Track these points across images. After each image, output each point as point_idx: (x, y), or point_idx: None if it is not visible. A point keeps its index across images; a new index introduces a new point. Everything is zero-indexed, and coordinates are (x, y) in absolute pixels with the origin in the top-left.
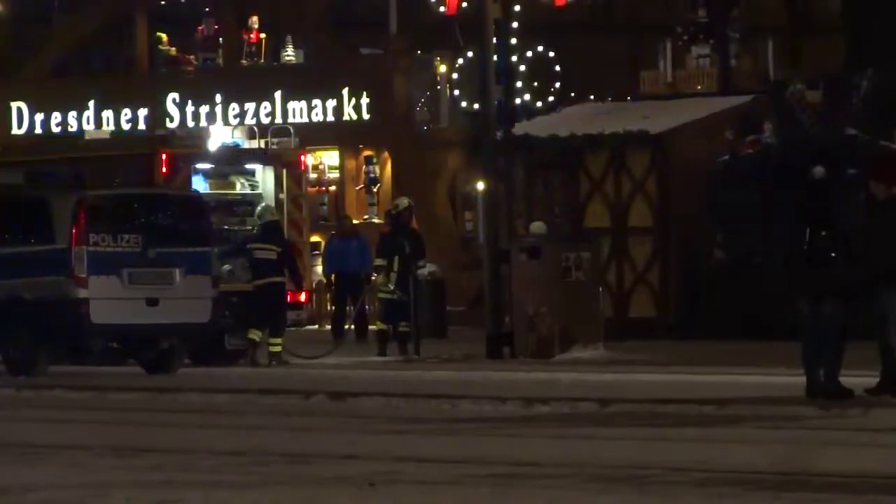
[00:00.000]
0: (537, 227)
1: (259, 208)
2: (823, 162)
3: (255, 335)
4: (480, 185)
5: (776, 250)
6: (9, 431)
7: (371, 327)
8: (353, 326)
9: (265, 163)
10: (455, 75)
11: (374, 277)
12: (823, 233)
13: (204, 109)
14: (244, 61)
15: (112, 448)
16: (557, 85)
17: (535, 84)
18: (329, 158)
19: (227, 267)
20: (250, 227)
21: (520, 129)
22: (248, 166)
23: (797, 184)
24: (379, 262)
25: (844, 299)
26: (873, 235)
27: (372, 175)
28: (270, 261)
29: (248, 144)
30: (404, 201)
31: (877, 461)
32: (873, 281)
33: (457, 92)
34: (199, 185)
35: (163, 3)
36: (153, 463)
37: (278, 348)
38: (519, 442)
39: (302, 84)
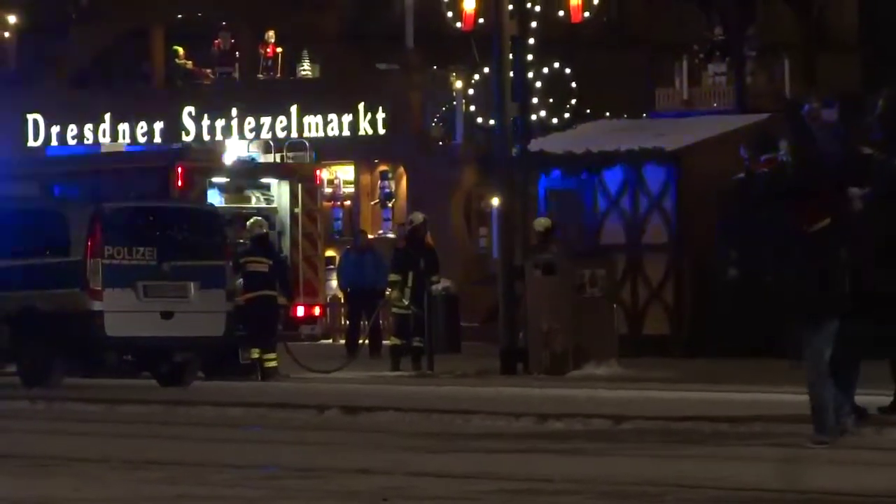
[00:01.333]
0: (542, 222)
1: (249, 221)
2: (838, 181)
3: (256, 353)
4: (495, 201)
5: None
6: (23, 443)
7: (385, 342)
8: (366, 341)
9: (281, 177)
10: (471, 91)
11: (387, 292)
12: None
13: (220, 123)
14: (260, 75)
15: (125, 461)
16: (573, 102)
17: (551, 100)
18: (344, 173)
19: (240, 280)
20: (241, 241)
21: (535, 145)
22: (263, 180)
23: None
24: (393, 277)
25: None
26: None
27: (387, 190)
28: (261, 273)
29: (263, 159)
30: (419, 217)
31: (891, 480)
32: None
33: (472, 108)
34: (215, 198)
35: (180, 16)
36: (166, 476)
37: (273, 363)
38: (531, 458)
39: (318, 99)
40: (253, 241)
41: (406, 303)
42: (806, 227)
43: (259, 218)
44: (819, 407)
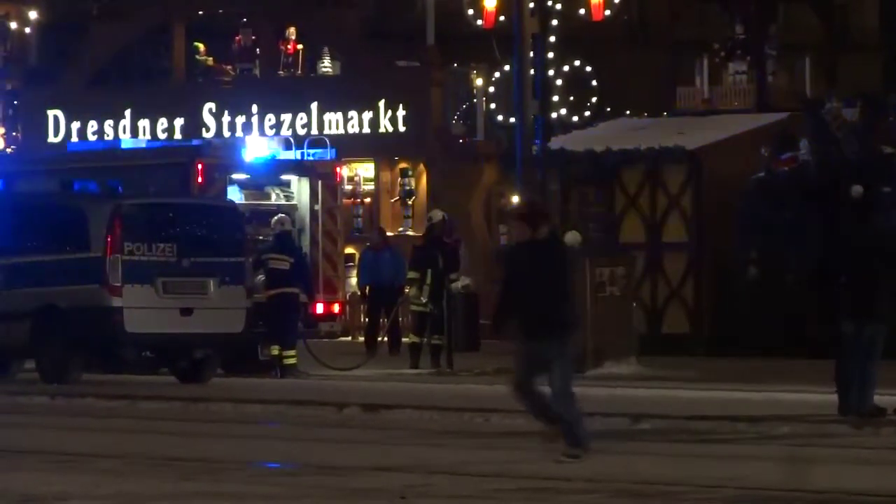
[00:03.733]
0: (571, 237)
1: (273, 219)
2: (859, 181)
3: (276, 350)
4: (515, 199)
5: (812, 271)
6: (42, 439)
7: (404, 340)
8: (386, 338)
9: (301, 174)
10: (491, 89)
11: (406, 290)
12: (859, 251)
13: (240, 120)
14: (281, 72)
15: (144, 457)
16: (594, 100)
17: (572, 99)
18: (364, 170)
19: (260, 277)
20: (261, 238)
21: (555, 143)
22: (283, 177)
23: (832, 202)
24: (412, 274)
25: (885, 319)
26: None
27: (407, 187)
28: (283, 271)
29: (283, 156)
30: (438, 214)
31: None
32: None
33: (493, 105)
34: (235, 195)
35: (201, 13)
36: (185, 473)
37: (293, 360)
38: (549, 456)
39: (338, 96)
40: (275, 239)
41: (425, 301)
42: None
43: (283, 215)
44: None
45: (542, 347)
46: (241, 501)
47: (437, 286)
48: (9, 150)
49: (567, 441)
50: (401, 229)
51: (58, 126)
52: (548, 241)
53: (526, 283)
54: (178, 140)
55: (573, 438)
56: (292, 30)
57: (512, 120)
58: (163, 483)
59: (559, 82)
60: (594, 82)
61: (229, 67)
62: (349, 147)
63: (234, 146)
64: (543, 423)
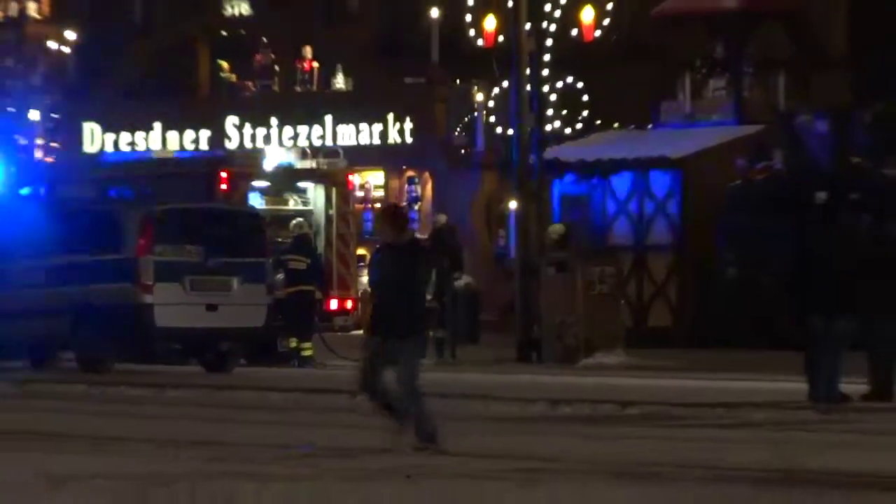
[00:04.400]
0: (557, 228)
1: (293, 223)
2: (828, 188)
3: (294, 342)
4: (513, 205)
5: (786, 270)
6: (79, 423)
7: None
8: None
9: (316, 182)
10: (491, 103)
11: None
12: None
13: (261, 132)
14: (298, 88)
15: (173, 440)
16: (585, 113)
17: (565, 112)
18: (374, 178)
19: (280, 276)
20: (280, 240)
21: (550, 153)
22: (300, 185)
23: (803, 207)
24: None
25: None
26: None
27: (413, 194)
28: (300, 270)
29: (300, 165)
30: (442, 219)
31: (873, 461)
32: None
33: (492, 118)
34: (256, 201)
35: (224, 33)
36: (211, 455)
37: (309, 352)
38: (545, 439)
39: (350, 110)
40: (294, 241)
41: (429, 298)
42: None
43: (301, 220)
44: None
45: (394, 346)
46: (265, 482)
47: (440, 284)
48: (49, 159)
49: (417, 436)
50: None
51: (94, 137)
52: (409, 245)
53: (387, 283)
54: (203, 150)
55: (423, 433)
56: (308, 49)
57: (510, 132)
58: (189, 463)
59: (553, 97)
60: (585, 97)
61: (250, 83)
62: (360, 157)
63: (255, 156)
64: (387, 417)
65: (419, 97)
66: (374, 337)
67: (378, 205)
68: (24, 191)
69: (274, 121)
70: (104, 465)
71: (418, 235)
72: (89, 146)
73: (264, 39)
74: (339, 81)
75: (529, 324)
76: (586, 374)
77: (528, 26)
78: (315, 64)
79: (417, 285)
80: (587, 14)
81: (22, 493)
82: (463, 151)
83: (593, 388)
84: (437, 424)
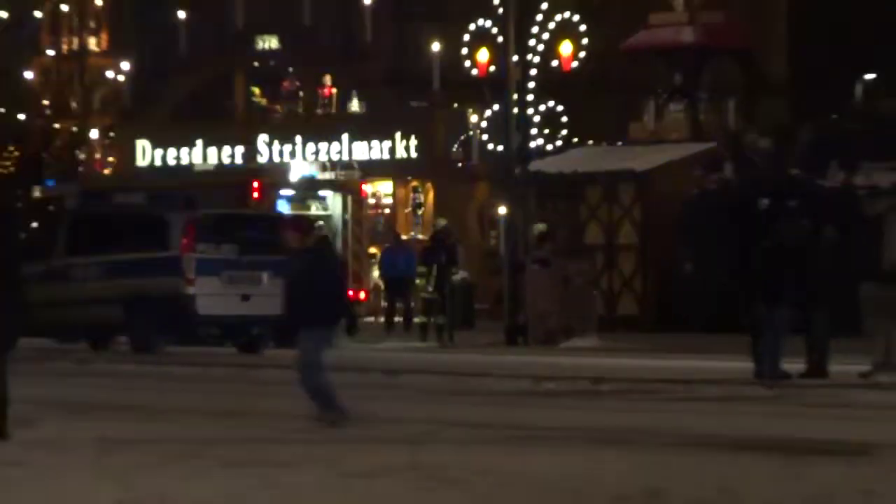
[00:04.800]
0: (539, 227)
1: (315, 226)
2: (770, 196)
3: None
4: (502, 210)
5: (734, 266)
6: (132, 397)
7: (415, 320)
8: (401, 319)
9: (334, 190)
10: (484, 123)
11: (417, 281)
12: (770, 251)
13: (287, 148)
14: (319, 111)
15: (212, 411)
16: (563, 132)
17: (546, 131)
18: (384, 187)
19: None
20: None
21: (534, 166)
22: (321, 193)
23: (750, 213)
24: (421, 269)
25: (790, 302)
26: None
27: (417, 201)
28: None
29: (321, 176)
30: (441, 222)
31: (810, 430)
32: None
33: (485, 136)
34: (283, 207)
35: (256, 64)
36: (242, 423)
37: None
38: (530, 411)
39: (364, 129)
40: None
41: (430, 289)
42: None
43: (321, 222)
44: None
45: (313, 334)
46: (285, 445)
47: (440, 278)
48: (107, 171)
49: (325, 413)
50: (412, 233)
51: (145, 153)
52: (317, 246)
53: (303, 281)
54: (238, 164)
55: (333, 411)
56: (328, 77)
57: (500, 148)
58: (224, 431)
59: (536, 118)
60: (564, 118)
61: (278, 107)
62: (372, 169)
63: (282, 169)
64: (318, 405)
65: (422, 118)
66: (305, 329)
67: (387, 210)
68: (85, 198)
69: (298, 139)
70: (152, 431)
71: (420, 236)
72: (141, 160)
73: (290, 69)
74: (354, 105)
75: (516, 312)
76: (565, 355)
77: (515, 58)
78: (333, 90)
79: (331, 280)
80: (565, 48)
81: (82, 455)
82: (460, 164)
83: (571, 367)
84: (335, 403)
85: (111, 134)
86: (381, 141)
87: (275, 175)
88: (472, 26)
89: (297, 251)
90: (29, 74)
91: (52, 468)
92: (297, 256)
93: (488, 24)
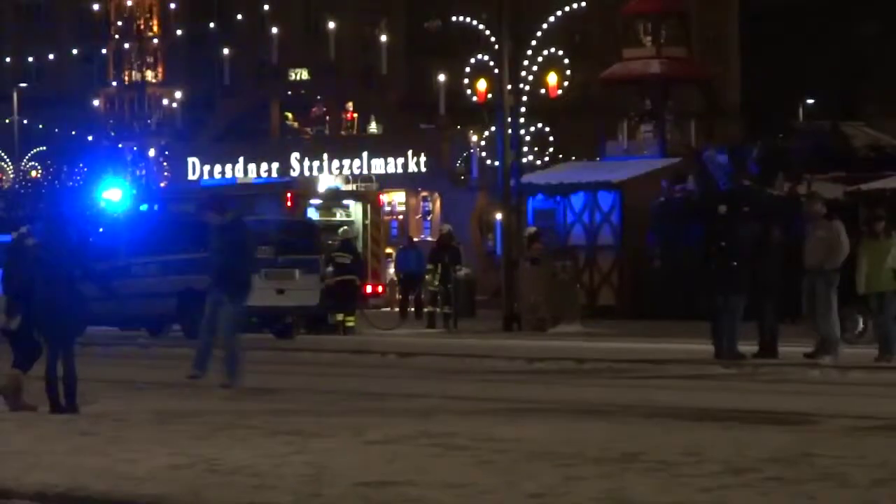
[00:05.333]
0: (530, 230)
1: (340, 229)
2: (726, 203)
3: (340, 316)
4: (499, 216)
5: (696, 261)
6: (183, 376)
7: (424, 310)
8: (412, 309)
9: (356, 200)
10: (483, 142)
11: (426, 276)
12: (726, 249)
13: (315, 164)
14: (343, 132)
15: (253, 389)
16: (551, 150)
17: (536, 149)
18: (398, 197)
19: (329, 268)
20: (330, 242)
21: (525, 178)
22: (344, 202)
23: (709, 217)
24: (429, 266)
25: (743, 293)
26: None
27: (427, 208)
28: (345, 264)
29: (344, 187)
30: (446, 227)
31: (764, 402)
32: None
33: (484, 153)
34: (312, 214)
35: (289, 93)
36: (277, 399)
37: (352, 323)
38: (524, 387)
39: (381, 147)
40: (341, 242)
41: (437, 284)
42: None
43: (347, 227)
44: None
45: (221, 299)
46: (315, 417)
47: (444, 274)
48: (162, 184)
49: (229, 374)
50: (422, 236)
51: (195, 168)
52: (231, 223)
53: (218, 252)
54: (274, 177)
55: (233, 374)
56: (350, 104)
57: (496, 163)
58: (263, 405)
59: (528, 138)
60: (551, 138)
61: (308, 129)
62: (388, 181)
63: (312, 181)
64: (194, 363)
65: (431, 138)
66: (214, 293)
67: (400, 216)
68: (143, 207)
69: (325, 156)
70: (200, 405)
71: (428, 239)
72: (191, 175)
73: (318, 97)
74: (373, 127)
75: (511, 303)
76: (553, 339)
77: (509, 87)
78: (355, 115)
79: (241, 251)
80: (552, 78)
81: (136, 424)
82: (462, 177)
83: (558, 350)
84: (242, 369)
85: (166, 152)
86: (395, 157)
87: (305, 187)
88: (472, 60)
89: (216, 228)
90: (96, 102)
91: (116, 438)
92: (217, 233)
93: (486, 58)
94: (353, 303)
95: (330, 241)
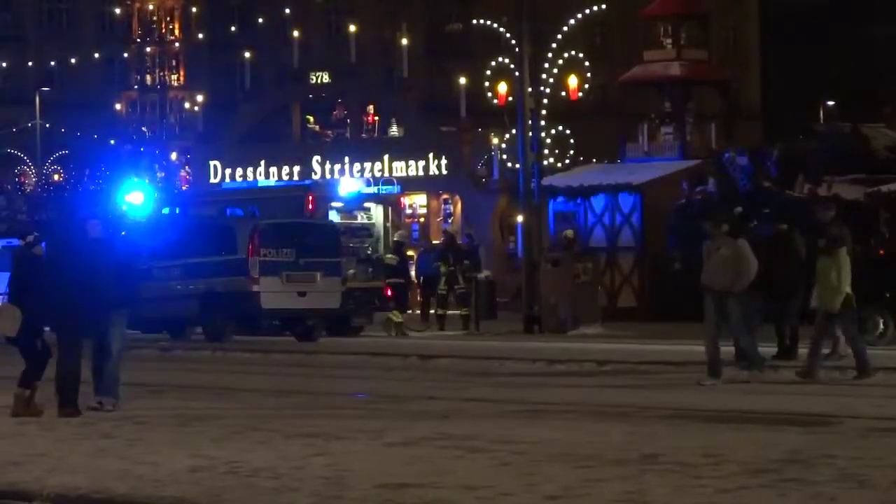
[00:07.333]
0: (568, 233)
1: (396, 234)
2: (745, 205)
3: (395, 316)
4: (520, 218)
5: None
6: (205, 378)
7: (431, 311)
8: (433, 311)
9: (377, 202)
10: (503, 145)
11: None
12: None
13: (337, 167)
14: (364, 135)
15: (275, 390)
16: (571, 152)
17: (557, 151)
18: (419, 199)
19: (351, 270)
20: (352, 245)
21: (546, 181)
22: (365, 205)
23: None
24: (442, 268)
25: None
26: None
27: (447, 211)
28: (393, 265)
29: (366, 190)
30: (451, 230)
31: (783, 404)
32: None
33: (504, 156)
34: (333, 216)
35: (310, 96)
36: (299, 401)
37: (399, 320)
38: (544, 389)
39: (402, 150)
40: (393, 245)
41: (444, 286)
42: None
43: (401, 231)
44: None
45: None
46: (335, 419)
47: (452, 276)
48: (184, 187)
49: (104, 393)
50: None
51: (216, 171)
52: (107, 241)
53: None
54: (296, 180)
55: (112, 391)
56: (371, 107)
57: (517, 166)
58: (284, 408)
59: (548, 140)
60: (571, 140)
61: (329, 132)
62: (409, 184)
63: (333, 184)
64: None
65: (452, 141)
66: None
67: (422, 219)
68: (165, 210)
69: (346, 159)
70: (222, 407)
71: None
72: (213, 178)
73: (339, 100)
74: (394, 130)
75: (532, 304)
76: (573, 341)
77: (529, 90)
78: (376, 117)
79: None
80: (572, 81)
81: (157, 427)
82: (483, 180)
83: (579, 351)
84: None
85: (188, 156)
86: (416, 160)
87: (327, 190)
88: (493, 63)
89: (99, 240)
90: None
91: (137, 440)
92: (96, 245)
93: (507, 61)
94: (403, 301)
95: (351, 245)
